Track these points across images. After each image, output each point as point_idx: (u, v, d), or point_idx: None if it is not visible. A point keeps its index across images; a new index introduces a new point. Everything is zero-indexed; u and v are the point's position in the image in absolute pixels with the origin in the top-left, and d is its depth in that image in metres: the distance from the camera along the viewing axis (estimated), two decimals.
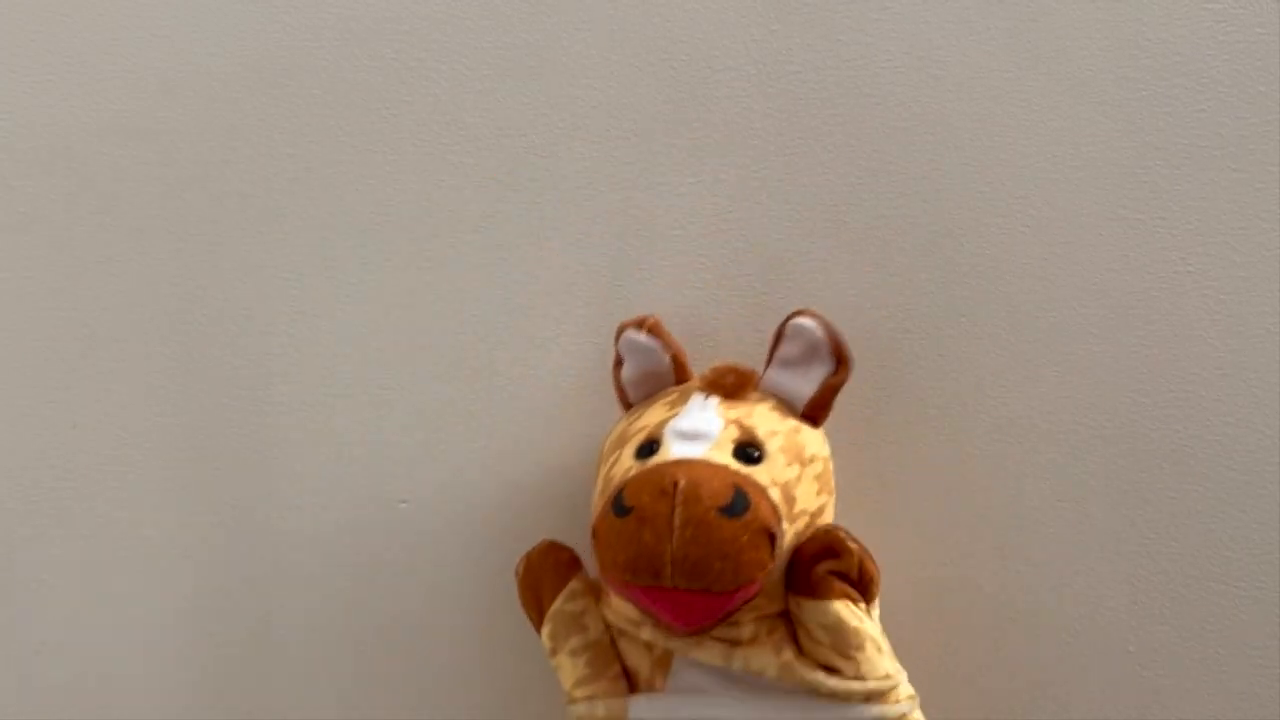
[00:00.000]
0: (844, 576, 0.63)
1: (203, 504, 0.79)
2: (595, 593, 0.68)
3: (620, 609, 0.66)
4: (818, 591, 0.63)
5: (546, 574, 0.68)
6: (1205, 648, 0.74)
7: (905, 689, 0.65)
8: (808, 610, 0.63)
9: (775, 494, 0.62)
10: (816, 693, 0.63)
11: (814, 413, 0.67)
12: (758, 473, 0.62)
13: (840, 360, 0.67)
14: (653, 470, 0.60)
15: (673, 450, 0.62)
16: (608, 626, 0.68)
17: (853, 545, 0.63)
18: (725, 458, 0.62)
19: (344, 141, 0.78)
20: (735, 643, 0.64)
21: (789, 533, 0.62)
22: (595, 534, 0.61)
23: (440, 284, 0.78)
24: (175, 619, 0.80)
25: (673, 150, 0.76)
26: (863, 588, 0.64)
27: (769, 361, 0.68)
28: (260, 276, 0.79)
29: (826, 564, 0.63)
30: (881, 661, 0.64)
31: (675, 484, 0.58)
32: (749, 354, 0.71)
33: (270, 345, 0.79)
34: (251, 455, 0.79)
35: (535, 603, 0.68)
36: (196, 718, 0.80)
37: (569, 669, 0.67)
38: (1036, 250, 0.74)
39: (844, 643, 0.63)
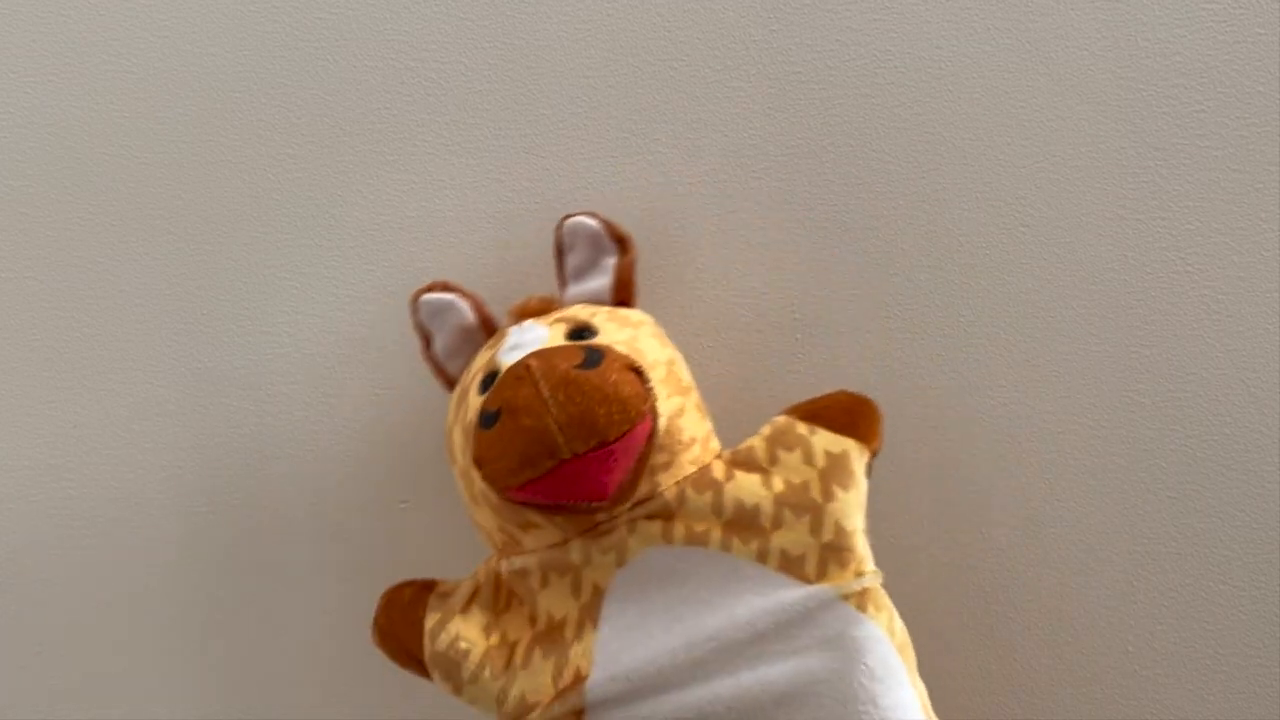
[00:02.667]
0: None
1: (203, 504, 0.79)
2: (453, 607, 0.65)
3: (539, 540, 0.62)
4: (845, 429, 0.63)
5: (400, 629, 0.66)
6: (1205, 648, 0.74)
7: (868, 559, 0.62)
8: (819, 438, 0.62)
9: (622, 349, 0.61)
10: (762, 547, 0.60)
11: (622, 297, 0.68)
12: (599, 341, 0.62)
13: (622, 241, 0.68)
14: (502, 374, 0.60)
15: (511, 360, 0.61)
16: (501, 589, 0.65)
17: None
18: (561, 341, 0.62)
19: (344, 141, 0.78)
20: (668, 515, 0.61)
21: (652, 378, 0.61)
22: (479, 460, 0.59)
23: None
24: (175, 619, 0.80)
25: (673, 150, 0.76)
26: (873, 447, 0.64)
27: (561, 282, 0.69)
28: (260, 276, 0.79)
29: (863, 415, 0.63)
30: (856, 515, 0.62)
31: (528, 366, 0.58)
32: (745, 356, 0.71)
33: (270, 345, 0.79)
34: (251, 455, 0.79)
35: (412, 660, 0.66)
36: (196, 717, 0.80)
37: (481, 693, 0.63)
38: (1036, 250, 0.74)
39: (840, 473, 0.62)
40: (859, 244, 0.75)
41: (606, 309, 0.66)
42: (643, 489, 0.61)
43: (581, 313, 0.65)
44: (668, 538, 0.61)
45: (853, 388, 0.70)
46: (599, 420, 0.57)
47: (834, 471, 0.62)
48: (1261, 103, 0.72)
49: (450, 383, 0.70)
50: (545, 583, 0.63)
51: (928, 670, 0.71)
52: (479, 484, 0.61)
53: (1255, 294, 0.73)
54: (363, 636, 0.79)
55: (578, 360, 0.58)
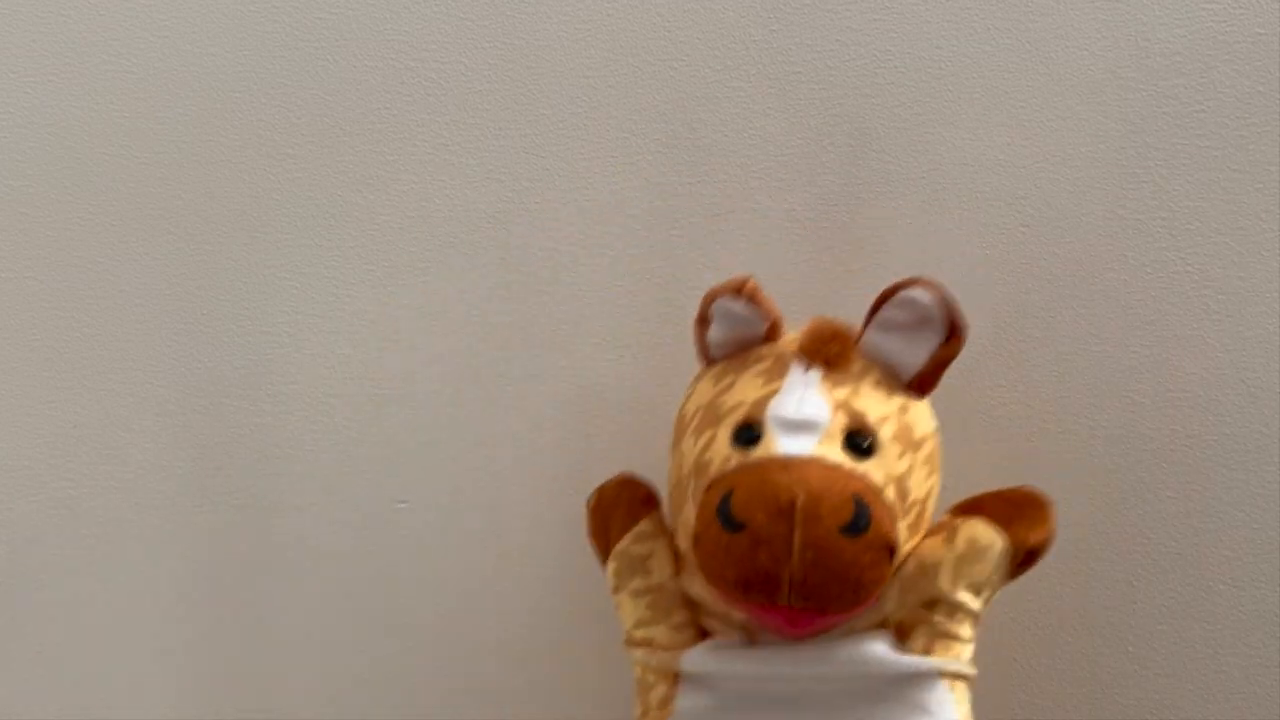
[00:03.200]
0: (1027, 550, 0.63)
1: (203, 505, 0.79)
2: (666, 535, 0.66)
3: (707, 591, 0.63)
4: (1000, 520, 0.62)
5: (618, 510, 0.66)
6: (1205, 648, 0.74)
7: (968, 655, 0.63)
8: (970, 526, 0.62)
9: (890, 492, 0.59)
10: (883, 620, 0.62)
11: (921, 386, 0.63)
12: (871, 469, 0.59)
13: (953, 329, 0.62)
14: (763, 478, 0.57)
15: (779, 444, 0.58)
16: (676, 575, 0.65)
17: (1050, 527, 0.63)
18: (836, 453, 0.59)
19: (344, 141, 0.78)
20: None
21: (902, 529, 0.60)
22: (699, 543, 0.58)
23: (440, 284, 0.78)
24: (175, 619, 0.80)
25: (673, 150, 0.76)
26: (1026, 563, 0.63)
27: (868, 322, 0.63)
28: (260, 276, 0.79)
29: (1028, 515, 0.63)
30: (973, 610, 0.62)
31: (793, 502, 0.55)
32: None
33: (270, 345, 0.79)
34: (251, 455, 0.79)
35: (603, 537, 0.67)
36: (196, 718, 0.80)
37: (630, 608, 0.65)
38: (1036, 250, 0.74)
39: (972, 564, 0.61)
40: (859, 244, 0.75)
41: (896, 408, 0.62)
42: None
43: (870, 410, 0.60)
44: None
45: None
46: (830, 594, 0.56)
47: (968, 560, 0.62)
48: (1261, 103, 0.72)
49: (708, 360, 0.66)
50: (701, 608, 0.65)
51: None
52: (687, 523, 0.61)
53: (1255, 294, 0.73)
54: (363, 636, 0.79)
55: (844, 520, 0.55)
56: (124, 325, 0.79)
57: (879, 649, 0.61)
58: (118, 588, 0.80)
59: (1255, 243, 0.73)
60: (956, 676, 0.62)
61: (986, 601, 0.63)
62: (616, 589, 0.66)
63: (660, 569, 0.65)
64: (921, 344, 0.62)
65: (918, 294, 0.62)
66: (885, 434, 0.60)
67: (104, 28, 0.79)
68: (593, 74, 0.76)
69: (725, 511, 0.56)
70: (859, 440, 0.60)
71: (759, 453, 0.59)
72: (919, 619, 0.62)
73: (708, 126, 0.76)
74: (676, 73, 0.76)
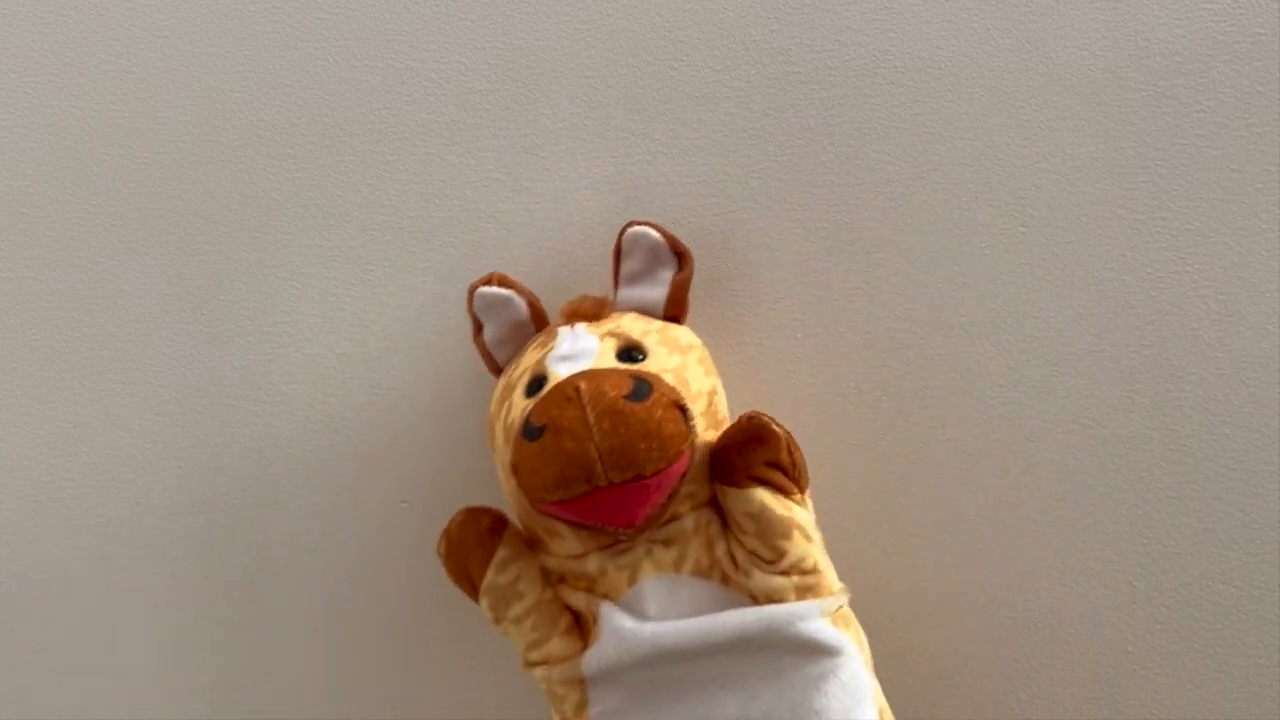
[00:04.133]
0: (774, 465, 0.63)
1: (203, 504, 0.79)
2: (525, 550, 0.67)
3: (560, 549, 0.66)
4: (741, 480, 0.63)
5: (470, 548, 0.67)
6: (1205, 648, 0.74)
7: (834, 580, 0.64)
8: (732, 499, 0.63)
9: (669, 379, 0.63)
10: (750, 593, 0.63)
11: (674, 312, 0.69)
12: (647, 366, 0.64)
13: (681, 256, 0.69)
14: (551, 389, 0.61)
15: (560, 372, 0.63)
16: (547, 576, 0.67)
17: (778, 429, 0.63)
18: (612, 363, 0.64)
19: (343, 141, 0.78)
20: (684, 542, 0.64)
21: (694, 412, 0.62)
22: (516, 469, 0.60)
23: (440, 284, 0.78)
24: (175, 620, 0.80)
25: (673, 150, 0.76)
26: (792, 475, 0.64)
27: (615, 283, 0.70)
28: (260, 276, 0.79)
29: (757, 453, 0.63)
30: (811, 550, 0.64)
31: (577, 388, 0.59)
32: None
33: (270, 345, 0.79)
34: (251, 455, 0.79)
35: (466, 580, 0.67)
36: (196, 717, 0.80)
37: (517, 635, 0.66)
38: (1036, 250, 0.74)
39: (770, 530, 0.63)
40: (858, 244, 0.75)
41: (658, 327, 0.67)
42: (665, 515, 0.64)
43: (633, 329, 0.66)
44: (678, 566, 0.64)
45: (852, 387, 0.70)
46: (639, 455, 0.58)
47: (764, 530, 0.63)
48: (1261, 103, 0.72)
49: (497, 369, 0.71)
50: (562, 581, 0.67)
51: (928, 671, 0.71)
52: (511, 484, 0.63)
53: (1255, 294, 0.73)
54: (363, 636, 0.79)
55: (626, 390, 0.59)
56: (124, 325, 0.79)
57: (763, 609, 0.63)
58: (117, 588, 0.80)
59: (1255, 243, 0.73)
60: (838, 611, 0.64)
61: (805, 504, 0.65)
62: (497, 620, 0.67)
63: (531, 587, 0.66)
64: (661, 278, 0.69)
65: (637, 231, 0.69)
66: (651, 342, 0.66)
67: (104, 28, 0.79)
68: (593, 74, 0.76)
69: (526, 427, 0.60)
70: (631, 353, 0.65)
71: (547, 387, 0.62)
72: (781, 587, 0.63)
73: (708, 126, 0.76)
74: (676, 73, 0.76)
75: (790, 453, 0.63)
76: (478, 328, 0.72)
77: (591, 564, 0.65)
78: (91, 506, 0.80)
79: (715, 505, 0.65)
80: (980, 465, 0.75)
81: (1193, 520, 0.74)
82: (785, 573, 0.63)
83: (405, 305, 0.78)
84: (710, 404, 0.66)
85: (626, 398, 0.59)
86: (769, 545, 0.63)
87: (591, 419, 0.58)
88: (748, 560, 0.64)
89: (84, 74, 0.79)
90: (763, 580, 0.63)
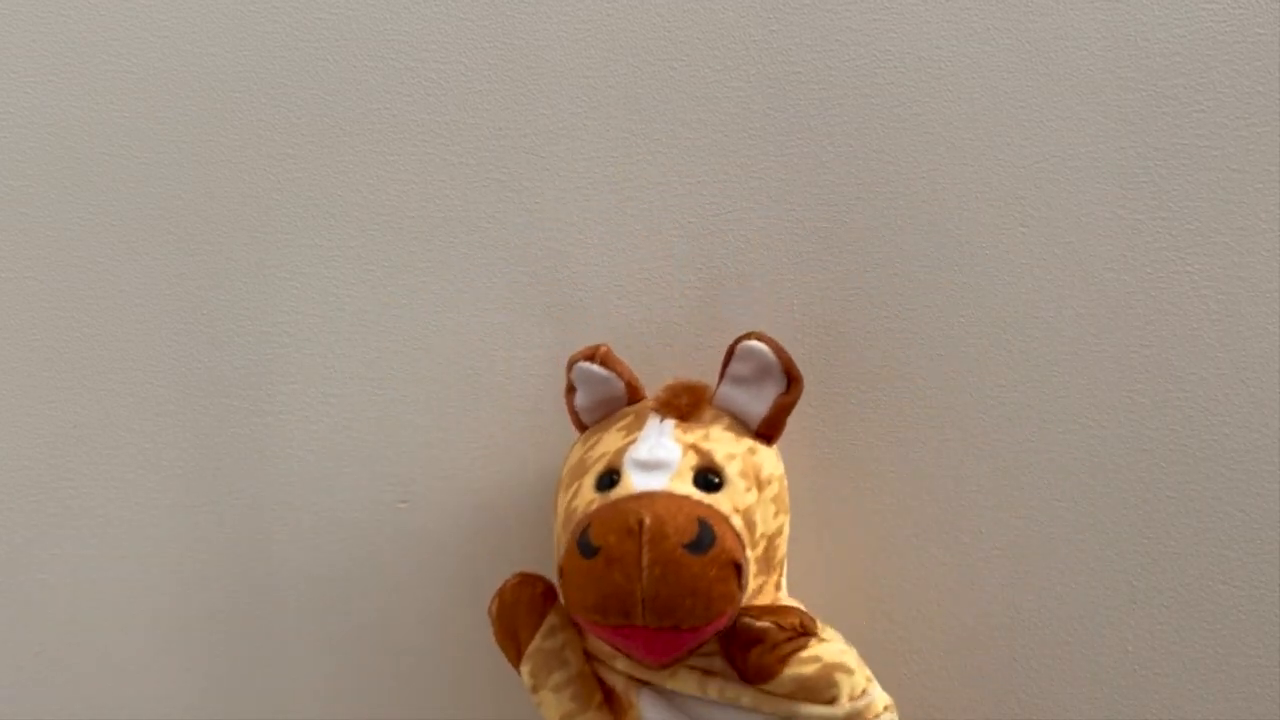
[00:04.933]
0: (780, 646, 0.63)
1: (203, 504, 0.79)
2: (571, 623, 0.68)
3: (596, 640, 0.66)
4: (764, 679, 0.63)
5: (521, 611, 0.67)
6: (1205, 648, 0.74)
7: (880, 698, 0.65)
8: (773, 688, 0.63)
9: (737, 521, 0.62)
10: (795, 716, 0.64)
11: (768, 431, 0.67)
12: (719, 500, 0.62)
13: (791, 379, 0.67)
14: (616, 507, 0.60)
15: (634, 482, 0.62)
16: (588, 655, 0.68)
17: (762, 624, 0.62)
18: (686, 487, 0.62)
19: (343, 142, 0.78)
20: (709, 672, 0.64)
21: (751, 559, 0.63)
22: (562, 574, 0.61)
23: (440, 284, 0.78)
24: (175, 619, 0.80)
25: (673, 150, 0.76)
26: (799, 637, 0.63)
27: (721, 378, 0.68)
28: (260, 276, 0.79)
29: (758, 652, 0.63)
30: (853, 681, 0.64)
31: (641, 522, 0.58)
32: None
33: (270, 345, 0.79)
34: (251, 455, 0.79)
35: (513, 642, 0.68)
36: (196, 717, 0.80)
37: (553, 704, 0.66)
38: (1036, 250, 0.74)
39: (815, 690, 0.63)
40: (858, 244, 0.75)
41: (745, 449, 0.66)
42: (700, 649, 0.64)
43: (719, 449, 0.65)
44: (703, 688, 0.64)
45: (852, 387, 0.70)
46: (681, 609, 0.59)
47: (813, 695, 0.63)
48: (1261, 103, 0.72)
49: (582, 427, 0.71)
50: (599, 660, 0.67)
51: (928, 672, 0.71)
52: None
53: (1255, 294, 0.73)
54: (363, 636, 0.79)
55: (689, 538, 0.58)
56: (124, 325, 0.79)
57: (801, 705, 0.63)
58: (118, 588, 0.80)
59: (1255, 243, 0.73)
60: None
61: (827, 635, 0.65)
62: (535, 688, 0.67)
63: (575, 658, 0.67)
64: (765, 393, 0.67)
65: (752, 346, 0.66)
66: (732, 470, 0.64)
67: (104, 28, 0.79)
68: (593, 74, 0.76)
69: (583, 540, 0.60)
70: (708, 477, 0.63)
71: (617, 492, 0.62)
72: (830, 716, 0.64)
73: (708, 126, 0.76)
74: (676, 73, 0.76)
75: (784, 628, 0.63)
76: (570, 389, 0.71)
77: (620, 663, 0.66)
78: (91, 506, 0.80)
79: None
80: (980, 465, 0.75)
81: (1193, 520, 0.74)
82: (837, 703, 0.63)
83: (405, 305, 0.78)
84: (769, 547, 0.65)
85: (686, 547, 0.58)
86: (823, 699, 0.63)
87: (645, 561, 0.58)
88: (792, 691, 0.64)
89: (84, 74, 0.79)
90: (814, 710, 0.63)
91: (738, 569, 0.60)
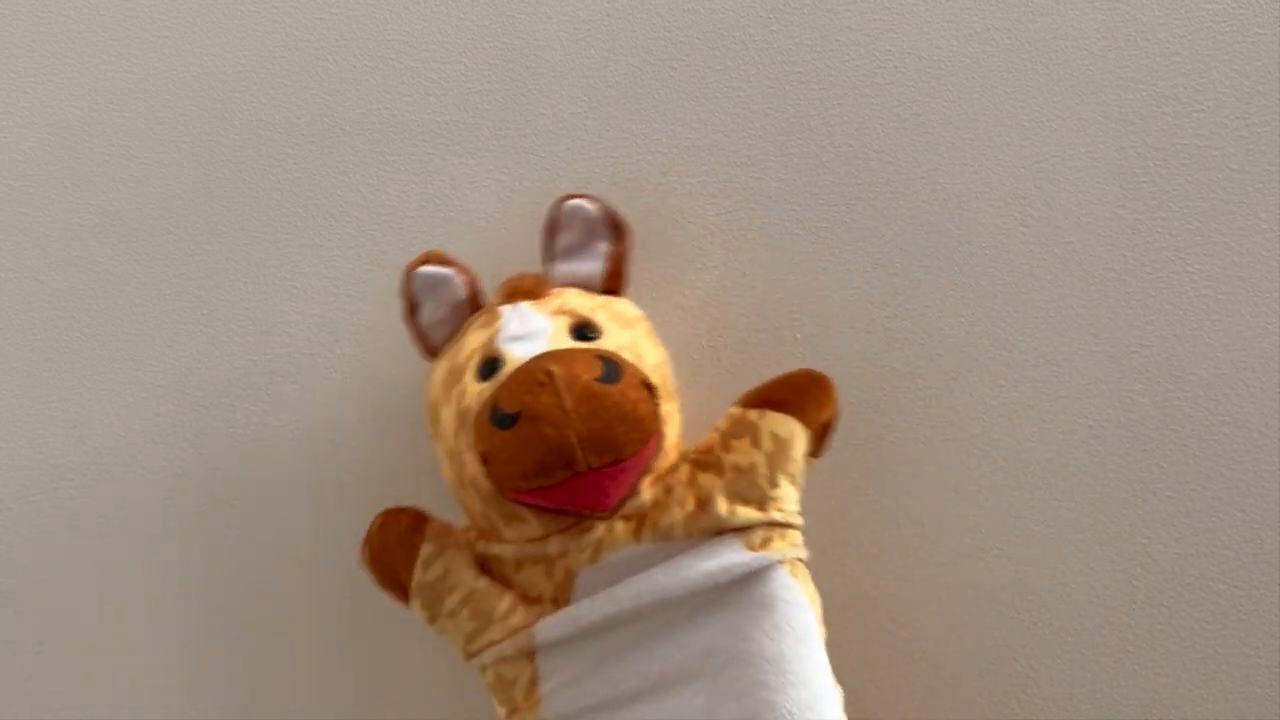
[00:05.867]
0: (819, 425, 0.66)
1: (203, 504, 0.79)
2: (450, 543, 0.67)
3: (519, 533, 0.65)
4: (792, 409, 0.65)
5: (394, 550, 0.67)
6: (1205, 648, 0.74)
7: (798, 534, 0.65)
8: (769, 420, 0.65)
9: (627, 355, 0.63)
10: (719, 529, 0.63)
11: (612, 286, 0.68)
12: (602, 344, 0.63)
13: (618, 229, 0.68)
14: (518, 372, 0.60)
15: (516, 354, 0.62)
16: (484, 566, 0.66)
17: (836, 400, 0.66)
18: (568, 342, 0.63)
19: (343, 142, 0.78)
20: (641, 516, 0.64)
21: (659, 389, 0.63)
22: (487, 458, 0.60)
23: None
24: (175, 619, 0.80)
25: (673, 150, 0.76)
26: (823, 443, 0.67)
27: (548, 258, 0.69)
28: (260, 276, 0.79)
29: (814, 398, 0.65)
30: (795, 497, 0.65)
31: (549, 372, 0.58)
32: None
33: (270, 345, 0.79)
34: (251, 455, 0.79)
35: (395, 583, 0.67)
36: (197, 717, 0.80)
37: (455, 630, 0.66)
38: (1036, 250, 0.74)
39: (783, 461, 0.64)
40: (858, 244, 0.75)
41: (602, 302, 0.67)
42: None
43: (580, 306, 0.66)
44: (638, 536, 0.64)
45: (851, 388, 0.70)
46: (618, 438, 0.59)
47: (779, 457, 0.65)
48: (1261, 103, 0.72)
49: (433, 352, 0.70)
50: (519, 569, 0.66)
51: (928, 671, 0.71)
52: (472, 471, 0.62)
53: (1255, 294, 0.73)
54: (363, 636, 0.79)
55: (598, 373, 0.59)
56: (124, 325, 0.79)
57: (726, 553, 0.63)
58: (117, 588, 0.80)
59: (1255, 243, 0.73)
60: (795, 561, 0.65)
61: (801, 480, 0.66)
62: (432, 619, 0.66)
63: (462, 579, 0.66)
64: (597, 251, 0.68)
65: (577, 204, 0.67)
66: (601, 318, 0.65)
67: (104, 28, 0.79)
68: (593, 74, 0.76)
69: (496, 414, 0.59)
70: (584, 331, 0.64)
71: (505, 371, 0.62)
72: (751, 521, 0.64)
73: (708, 126, 0.76)
74: (676, 73, 0.76)
75: (832, 422, 0.66)
76: (411, 309, 0.70)
77: (553, 546, 0.64)
78: (91, 506, 0.80)
79: (672, 474, 0.65)
80: (980, 465, 0.75)
81: (1193, 520, 0.74)
82: (764, 508, 0.64)
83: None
84: (664, 377, 0.66)
85: (599, 380, 0.59)
86: (772, 472, 0.64)
87: (569, 404, 0.58)
88: (728, 493, 0.64)
89: (84, 74, 0.79)
90: (741, 512, 0.63)
91: (650, 388, 0.61)
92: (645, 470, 0.62)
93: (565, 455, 0.58)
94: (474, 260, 0.77)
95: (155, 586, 0.80)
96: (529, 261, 0.77)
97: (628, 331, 0.65)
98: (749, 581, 0.63)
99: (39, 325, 0.80)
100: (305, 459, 0.79)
